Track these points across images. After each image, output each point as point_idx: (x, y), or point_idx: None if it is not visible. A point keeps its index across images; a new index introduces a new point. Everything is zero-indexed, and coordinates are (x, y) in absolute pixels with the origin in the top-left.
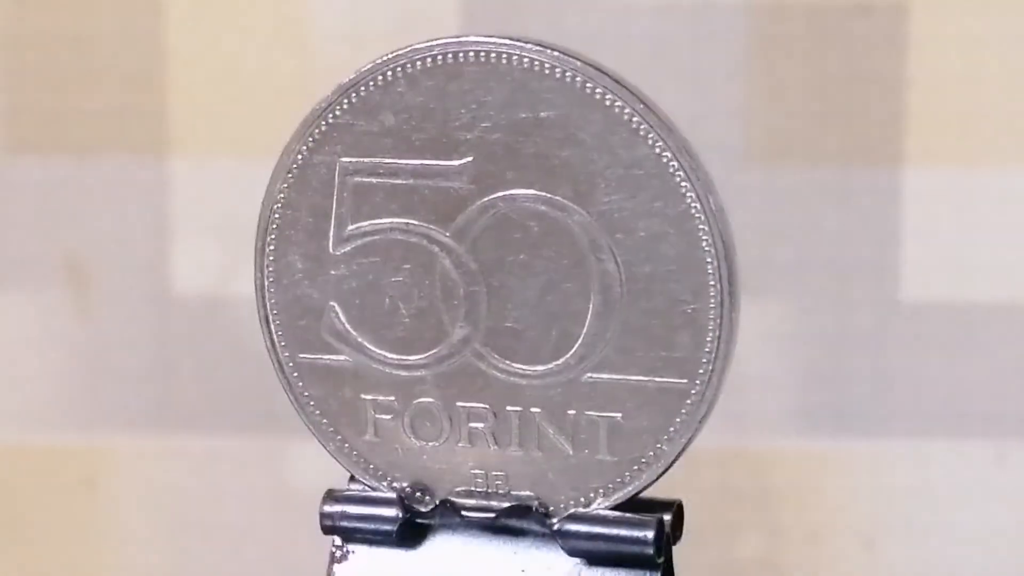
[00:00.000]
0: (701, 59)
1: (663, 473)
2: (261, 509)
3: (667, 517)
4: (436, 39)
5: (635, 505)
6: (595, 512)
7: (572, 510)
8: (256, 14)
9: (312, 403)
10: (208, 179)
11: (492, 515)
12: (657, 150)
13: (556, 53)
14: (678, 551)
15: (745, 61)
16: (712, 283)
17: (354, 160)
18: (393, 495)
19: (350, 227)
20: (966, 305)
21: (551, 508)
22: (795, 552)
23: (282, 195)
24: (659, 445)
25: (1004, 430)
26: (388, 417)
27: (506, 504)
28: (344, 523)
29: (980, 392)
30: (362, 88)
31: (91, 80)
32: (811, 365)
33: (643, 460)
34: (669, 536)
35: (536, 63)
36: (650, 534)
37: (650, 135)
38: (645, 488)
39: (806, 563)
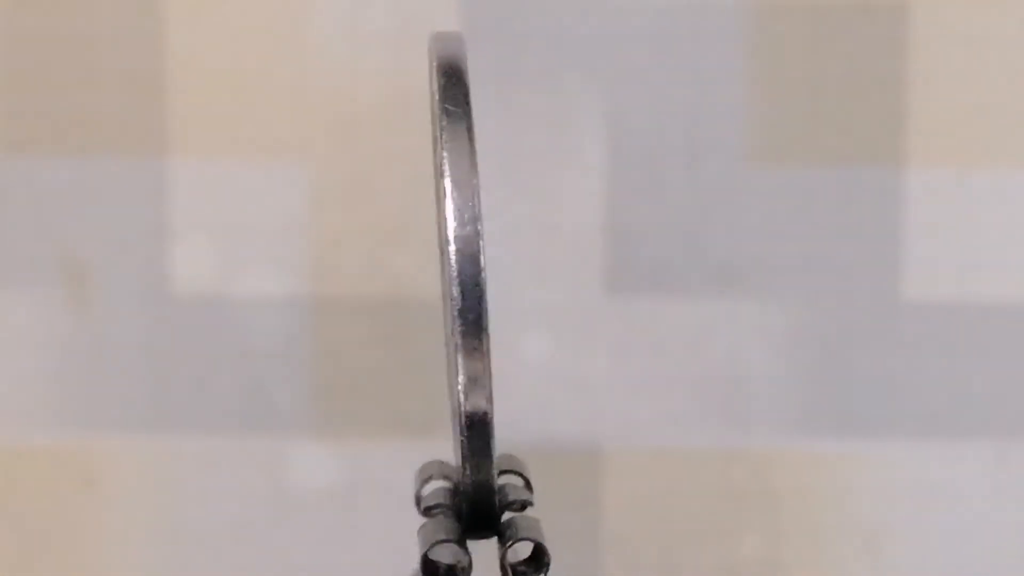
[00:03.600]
0: (701, 59)
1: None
2: (261, 509)
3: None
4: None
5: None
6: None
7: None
8: (256, 14)
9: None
10: (207, 179)
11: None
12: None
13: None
14: (679, 550)
15: (745, 61)
16: (452, 313)
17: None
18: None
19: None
20: (967, 305)
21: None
22: (797, 553)
23: None
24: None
25: (1005, 430)
26: None
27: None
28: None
29: (981, 392)
30: None
31: (90, 80)
32: (812, 365)
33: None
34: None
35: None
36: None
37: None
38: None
39: (808, 564)
